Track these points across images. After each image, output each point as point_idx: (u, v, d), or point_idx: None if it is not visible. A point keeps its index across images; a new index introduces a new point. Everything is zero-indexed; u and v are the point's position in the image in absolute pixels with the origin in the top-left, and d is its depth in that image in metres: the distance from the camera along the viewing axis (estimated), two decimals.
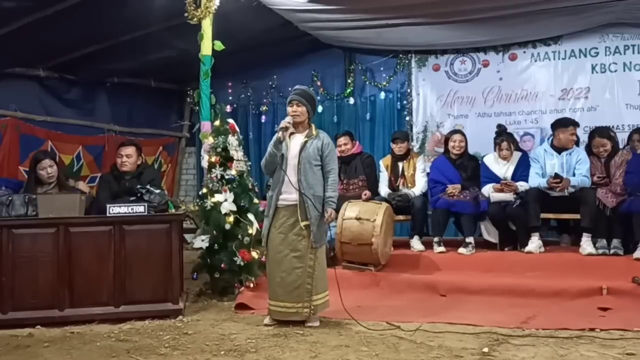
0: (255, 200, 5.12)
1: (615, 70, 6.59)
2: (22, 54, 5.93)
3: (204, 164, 5.10)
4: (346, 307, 4.11)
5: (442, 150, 6.78)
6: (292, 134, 4.14)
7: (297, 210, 4.02)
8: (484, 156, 5.99)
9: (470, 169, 5.89)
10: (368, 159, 6.16)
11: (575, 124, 5.62)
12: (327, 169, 4.11)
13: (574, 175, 5.37)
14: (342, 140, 6.14)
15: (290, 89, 4.47)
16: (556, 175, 5.30)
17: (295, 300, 4.02)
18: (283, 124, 4.06)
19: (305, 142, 4.08)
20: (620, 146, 5.94)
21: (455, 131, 6.21)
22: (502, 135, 5.83)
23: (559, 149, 5.52)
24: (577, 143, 5.67)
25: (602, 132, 5.65)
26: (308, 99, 4.14)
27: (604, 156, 5.52)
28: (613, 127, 6.26)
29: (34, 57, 6.21)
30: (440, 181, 5.88)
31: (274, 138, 4.07)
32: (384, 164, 6.18)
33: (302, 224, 4.01)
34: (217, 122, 5.16)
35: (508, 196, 5.48)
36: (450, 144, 5.97)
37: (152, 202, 4.53)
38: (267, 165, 4.15)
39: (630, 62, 6.53)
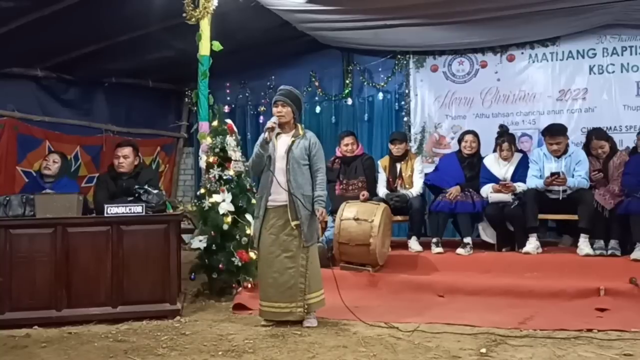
0: (253, 201, 5.10)
1: (613, 72, 6.57)
2: (20, 53, 5.92)
3: (202, 164, 5.10)
4: (343, 309, 4.12)
5: (440, 151, 6.83)
6: (278, 134, 4.17)
7: (287, 210, 4.03)
8: (483, 157, 5.99)
9: (477, 170, 5.87)
10: (368, 160, 6.16)
11: (554, 133, 5.45)
12: (315, 168, 4.12)
13: (572, 177, 5.36)
14: (347, 140, 6.11)
15: None
16: (552, 174, 5.29)
17: (289, 300, 4.02)
18: (269, 124, 4.08)
19: (293, 142, 4.10)
20: (619, 147, 5.95)
21: (468, 131, 6.15)
22: (504, 136, 5.82)
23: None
24: (565, 151, 5.47)
25: (599, 133, 5.65)
26: (293, 99, 4.16)
27: (603, 157, 5.52)
28: (611, 128, 6.27)
29: (31, 57, 6.20)
30: (436, 181, 5.90)
31: (260, 139, 4.09)
32: (382, 164, 6.18)
33: (293, 223, 4.02)
34: (215, 123, 5.16)
35: (506, 197, 5.48)
36: (462, 144, 5.98)
37: (149, 203, 4.53)
38: (254, 166, 4.17)
39: (628, 64, 6.52)
